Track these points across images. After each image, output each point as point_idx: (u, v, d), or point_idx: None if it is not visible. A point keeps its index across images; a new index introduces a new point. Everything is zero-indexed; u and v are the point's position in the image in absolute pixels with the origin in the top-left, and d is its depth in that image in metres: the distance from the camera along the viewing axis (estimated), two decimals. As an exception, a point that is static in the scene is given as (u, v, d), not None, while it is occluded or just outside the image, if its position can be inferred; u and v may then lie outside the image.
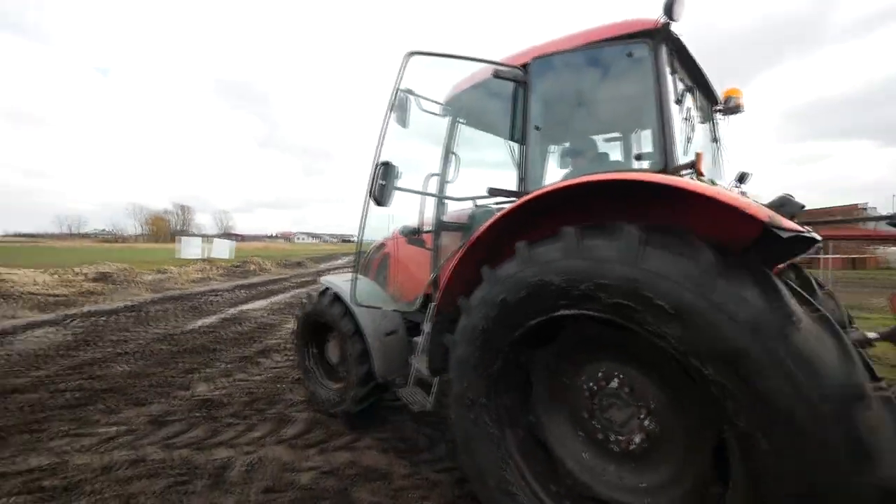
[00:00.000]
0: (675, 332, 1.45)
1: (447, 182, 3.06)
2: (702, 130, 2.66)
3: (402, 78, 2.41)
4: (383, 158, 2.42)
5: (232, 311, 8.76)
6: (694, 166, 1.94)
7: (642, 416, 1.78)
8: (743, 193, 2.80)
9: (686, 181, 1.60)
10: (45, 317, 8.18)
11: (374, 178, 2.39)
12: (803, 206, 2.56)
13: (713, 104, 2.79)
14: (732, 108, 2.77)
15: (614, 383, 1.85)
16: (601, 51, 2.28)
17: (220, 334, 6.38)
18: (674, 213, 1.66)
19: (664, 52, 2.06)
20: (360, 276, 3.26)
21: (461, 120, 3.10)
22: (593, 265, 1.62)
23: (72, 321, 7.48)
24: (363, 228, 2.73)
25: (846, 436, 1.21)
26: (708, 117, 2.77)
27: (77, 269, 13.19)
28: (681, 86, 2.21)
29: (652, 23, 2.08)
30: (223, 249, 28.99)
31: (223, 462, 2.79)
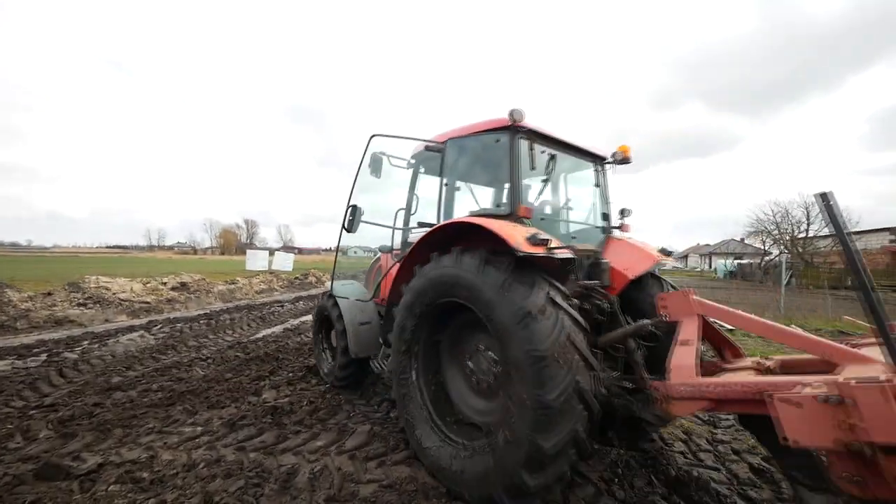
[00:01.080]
0: (465, 295, 2.70)
1: (412, 214, 4.23)
2: (574, 180, 3.96)
3: (367, 152, 3.72)
4: (353, 202, 3.70)
5: (294, 321, 9.25)
6: (515, 213, 3.06)
7: (492, 366, 2.86)
8: (621, 226, 3.89)
9: (484, 220, 2.73)
10: (136, 322, 9.11)
11: (345, 216, 3.70)
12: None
13: (598, 159, 3.86)
14: (621, 160, 3.86)
15: (481, 346, 2.95)
16: (483, 136, 3.37)
17: (284, 344, 6.75)
18: (495, 239, 2.57)
19: (517, 139, 3.11)
20: (338, 278, 4.73)
21: (421, 170, 4.27)
22: (459, 270, 2.72)
23: (157, 327, 8.26)
24: (338, 250, 4.19)
25: (531, 365, 2.27)
26: (596, 173, 3.89)
27: (160, 279, 14.59)
28: (540, 160, 3.21)
29: (507, 121, 3.07)
30: (285, 262, 30.79)
31: (290, 468, 2.92)
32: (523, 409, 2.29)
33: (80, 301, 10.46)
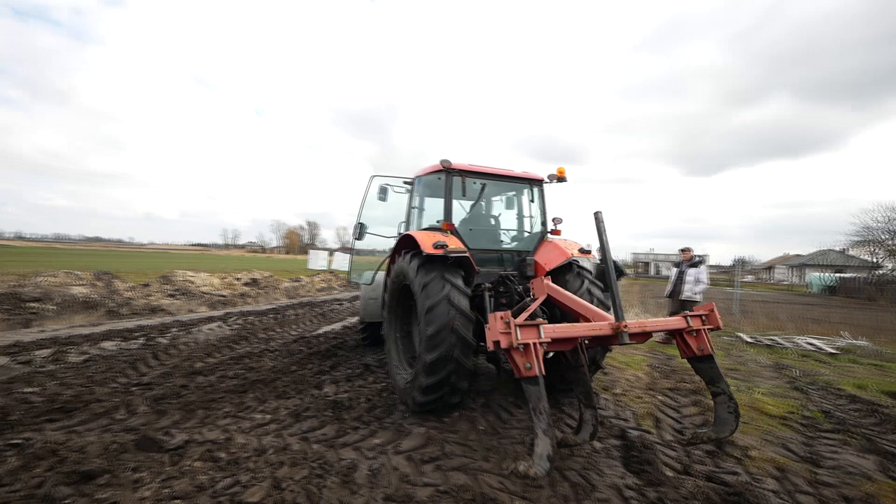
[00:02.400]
0: (408, 279, 4.07)
1: (411, 226, 5.42)
2: (512, 199, 5.51)
3: (368, 191, 5.56)
4: (360, 220, 5.68)
5: (352, 319, 9.63)
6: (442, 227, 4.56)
7: None
8: (553, 230, 5.09)
9: (416, 233, 4.22)
10: (214, 313, 9.98)
11: (355, 230, 5.70)
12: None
13: (533, 182, 5.22)
14: (559, 179, 5.13)
15: None
16: (432, 175, 4.95)
17: (343, 340, 7.04)
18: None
19: (450, 177, 4.66)
20: (354, 270, 6.94)
21: (416, 193, 5.47)
22: (405, 265, 4.15)
23: (232, 318, 8.99)
24: (352, 251, 6.91)
25: (425, 314, 3.72)
26: (532, 192, 5.26)
27: (235, 275, 15.89)
28: (471, 189, 4.92)
29: (442, 166, 4.59)
30: (343, 262, 32.22)
31: (350, 463, 3.02)
32: (422, 340, 3.72)
33: (170, 292, 11.68)
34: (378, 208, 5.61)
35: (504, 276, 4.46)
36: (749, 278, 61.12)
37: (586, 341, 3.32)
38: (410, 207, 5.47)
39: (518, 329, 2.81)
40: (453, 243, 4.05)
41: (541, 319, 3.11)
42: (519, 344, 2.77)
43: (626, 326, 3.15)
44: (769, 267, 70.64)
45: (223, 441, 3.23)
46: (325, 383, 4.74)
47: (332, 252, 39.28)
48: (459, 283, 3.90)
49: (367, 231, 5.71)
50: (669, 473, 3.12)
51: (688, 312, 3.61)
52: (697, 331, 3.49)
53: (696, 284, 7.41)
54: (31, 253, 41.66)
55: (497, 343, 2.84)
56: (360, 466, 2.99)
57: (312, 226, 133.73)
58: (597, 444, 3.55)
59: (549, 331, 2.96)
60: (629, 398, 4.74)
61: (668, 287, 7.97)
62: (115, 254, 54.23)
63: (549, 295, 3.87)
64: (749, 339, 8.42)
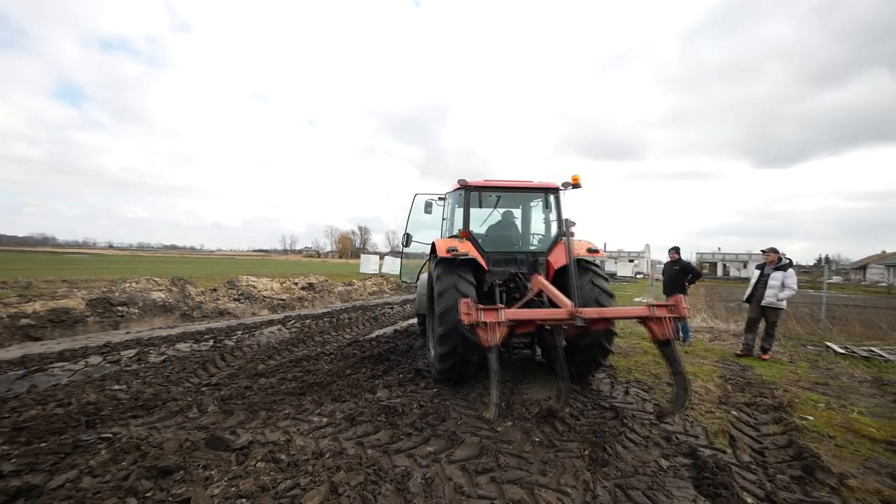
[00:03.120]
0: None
1: (443, 234, 6.60)
2: (530, 207, 6.43)
3: (412, 206, 6.58)
4: (407, 231, 6.77)
5: (403, 323, 9.78)
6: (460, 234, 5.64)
7: None
8: (568, 233, 5.18)
9: (438, 241, 5.39)
10: (274, 316, 10.55)
11: (403, 237, 6.77)
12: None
13: (548, 191, 5.93)
14: (574, 186, 5.66)
15: None
16: (456, 192, 5.88)
17: (395, 345, 7.15)
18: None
19: (468, 193, 5.61)
20: (405, 272, 8.16)
21: (447, 206, 6.61)
22: (431, 266, 5.46)
23: (291, 322, 9.45)
24: (402, 255, 7.84)
25: (436, 315, 4.86)
26: (547, 201, 6.02)
27: (293, 280, 16.74)
28: (488, 200, 5.94)
29: (462, 184, 5.57)
30: (393, 266, 32.94)
31: (404, 470, 3.01)
32: (434, 318, 4.86)
33: (236, 296, 12.53)
34: (425, 218, 6.61)
35: (514, 274, 5.38)
36: (836, 279, 54.75)
37: (565, 326, 3.87)
38: (442, 218, 6.74)
39: (481, 312, 3.58)
40: (466, 248, 5.03)
41: (501, 305, 3.78)
42: (480, 322, 3.52)
43: (580, 312, 3.75)
44: (862, 266, 62.99)
45: (283, 443, 3.35)
46: (378, 388, 4.81)
47: (382, 256, 40.37)
48: (467, 276, 4.85)
49: (413, 239, 6.76)
50: (749, 500, 2.82)
51: (655, 302, 4.01)
52: (661, 318, 3.87)
53: (781, 290, 6.66)
54: (119, 261, 46.81)
55: (463, 321, 3.66)
56: (414, 474, 2.98)
57: (363, 230, 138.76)
58: (663, 462, 3.29)
59: (509, 314, 3.69)
60: (699, 412, 4.36)
61: (748, 290, 7.20)
62: (188, 260, 59.49)
63: (539, 290, 4.78)
64: (841, 350, 7.46)
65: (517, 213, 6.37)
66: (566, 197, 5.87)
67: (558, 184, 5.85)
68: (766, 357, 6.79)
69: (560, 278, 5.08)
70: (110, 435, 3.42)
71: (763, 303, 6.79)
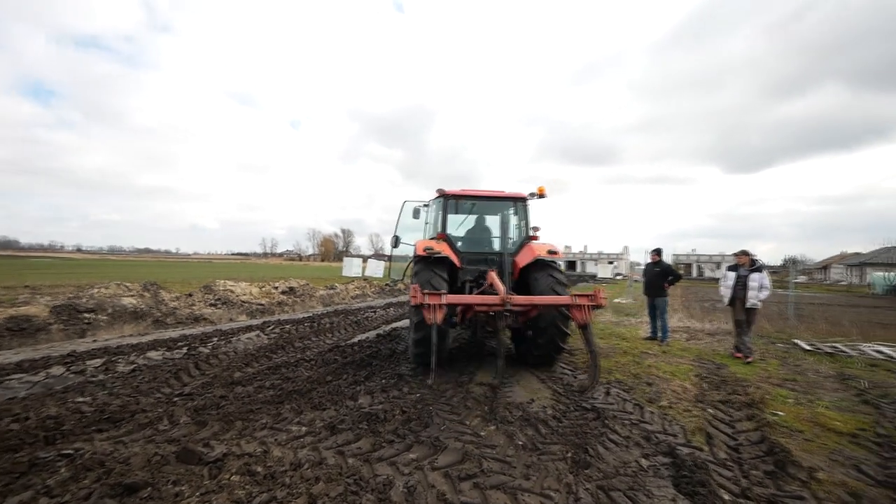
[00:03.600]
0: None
1: (425, 236, 7.18)
2: (492, 217, 7.26)
3: (401, 211, 7.02)
4: (396, 234, 7.13)
5: (386, 328, 9.66)
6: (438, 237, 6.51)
7: None
8: (534, 237, 6.58)
9: (419, 242, 6.31)
10: (253, 322, 10.27)
11: (393, 239, 7.10)
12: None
13: (517, 200, 6.76)
14: (540, 196, 6.58)
15: None
16: (440, 198, 6.65)
17: (378, 350, 7.05)
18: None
19: (445, 201, 6.58)
20: (395, 271, 8.49)
21: (429, 211, 7.16)
22: (413, 264, 6.19)
23: (270, 327, 9.22)
24: (391, 257, 8.03)
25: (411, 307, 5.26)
26: (517, 209, 6.87)
27: (273, 284, 16.38)
28: (464, 207, 7.01)
29: (441, 192, 6.58)
30: (376, 269, 32.66)
31: (386, 479, 2.95)
32: (411, 325, 5.52)
33: (212, 301, 12.16)
34: (412, 222, 7.17)
35: (483, 271, 6.20)
36: (802, 279, 57.15)
37: (506, 314, 4.67)
38: (425, 223, 7.32)
39: (426, 295, 4.45)
40: (441, 248, 5.79)
41: (444, 291, 4.79)
42: (424, 304, 4.40)
43: (510, 300, 4.60)
44: (824, 266, 65.93)
45: (260, 454, 3.24)
46: (360, 394, 4.72)
47: (365, 259, 39.96)
48: (441, 272, 5.61)
49: (401, 241, 7.22)
50: (726, 497, 2.88)
51: (577, 293, 4.88)
52: (581, 306, 4.71)
53: (760, 291, 6.80)
54: (88, 265, 44.87)
55: (412, 302, 4.64)
56: (397, 483, 2.92)
57: (346, 233, 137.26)
58: (643, 462, 3.33)
59: (450, 298, 4.63)
60: (676, 411, 4.45)
61: (726, 292, 7.17)
62: (162, 264, 57.52)
63: (488, 284, 5.68)
64: (807, 347, 7.77)
65: (491, 218, 7.28)
66: (534, 205, 6.84)
67: (526, 194, 6.78)
68: (750, 359, 6.84)
69: (525, 275, 6.02)
70: (71, 451, 3.23)
71: (748, 305, 6.86)
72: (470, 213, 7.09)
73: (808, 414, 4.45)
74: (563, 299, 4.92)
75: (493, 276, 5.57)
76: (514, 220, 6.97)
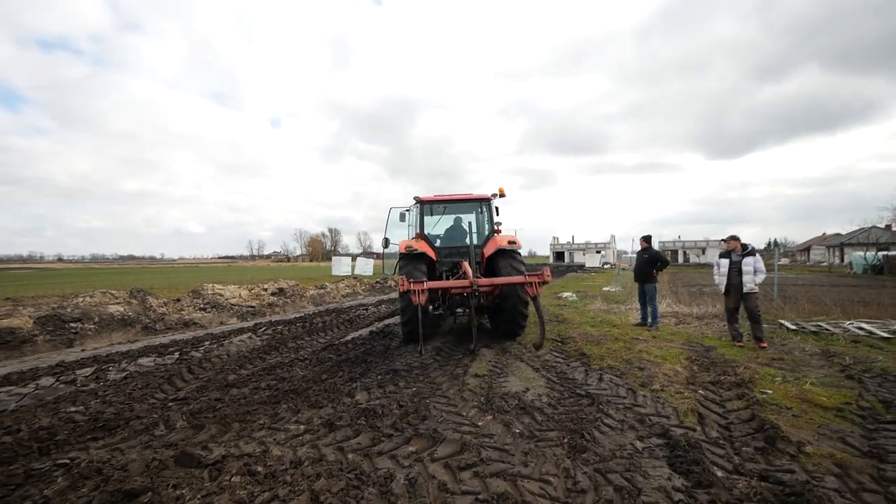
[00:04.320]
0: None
1: (409, 237, 8.20)
2: (466, 216, 8.50)
3: (389, 216, 8.22)
4: (386, 236, 8.23)
5: (378, 324, 9.66)
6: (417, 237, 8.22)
7: None
8: (497, 231, 8.16)
9: (403, 242, 7.49)
10: (244, 324, 10.18)
11: (383, 241, 8.20)
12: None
13: (482, 201, 8.37)
14: (501, 196, 8.00)
15: None
16: (417, 205, 8.23)
17: (372, 346, 7.06)
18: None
19: (422, 206, 8.24)
20: (387, 268, 10.91)
21: (412, 215, 8.35)
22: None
23: (262, 329, 9.15)
24: (384, 256, 9.46)
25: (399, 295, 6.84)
26: (483, 208, 8.50)
27: (262, 286, 16.22)
28: (437, 210, 8.57)
29: (417, 199, 8.11)
30: (366, 267, 32.52)
31: (386, 472, 2.97)
32: (400, 310, 6.93)
33: (201, 306, 12.00)
34: (400, 224, 8.39)
35: (457, 262, 7.53)
36: (784, 261, 58.52)
37: (476, 294, 5.96)
38: (408, 224, 8.42)
39: (412, 283, 5.50)
40: (420, 246, 7.19)
41: (425, 279, 5.97)
42: (410, 290, 5.45)
43: (477, 282, 5.78)
44: (805, 248, 67.53)
45: (259, 454, 3.24)
46: (356, 391, 4.73)
47: (354, 258, 39.73)
48: (421, 266, 6.91)
49: (391, 242, 8.18)
50: (719, 473, 2.96)
51: (531, 273, 5.98)
52: (531, 283, 5.78)
53: (756, 274, 6.70)
54: (70, 274, 43.84)
55: (400, 290, 5.69)
56: (397, 475, 2.94)
57: (334, 232, 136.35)
58: (638, 444, 3.41)
59: (429, 284, 5.68)
60: (668, 394, 4.55)
61: (721, 280, 7.04)
62: (148, 271, 56.46)
63: (462, 270, 6.66)
64: (792, 327, 7.98)
65: (462, 217, 8.64)
66: (516, 199, 8.88)
67: (489, 194, 8.23)
68: (765, 345, 6.59)
69: (491, 263, 7.27)
70: (67, 460, 3.19)
71: (745, 290, 6.75)
72: (443, 214, 8.62)
73: (796, 391, 4.58)
74: (517, 279, 6.01)
75: (465, 265, 6.48)
76: (480, 218, 8.50)
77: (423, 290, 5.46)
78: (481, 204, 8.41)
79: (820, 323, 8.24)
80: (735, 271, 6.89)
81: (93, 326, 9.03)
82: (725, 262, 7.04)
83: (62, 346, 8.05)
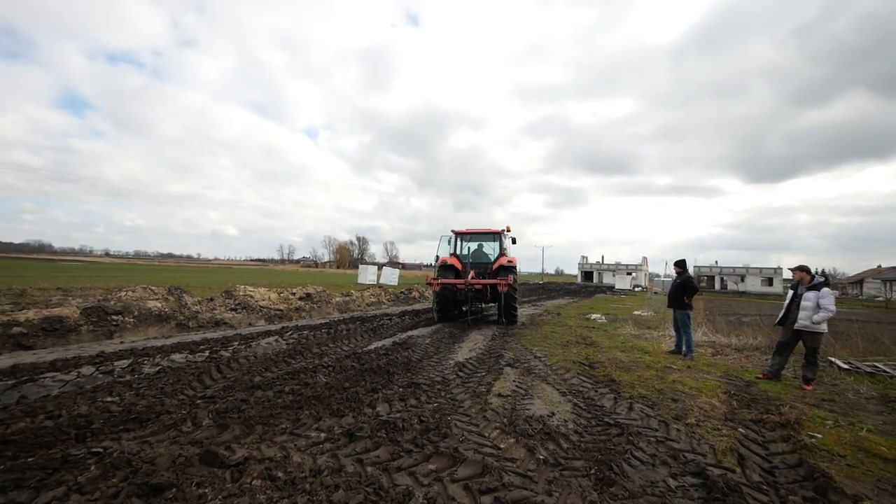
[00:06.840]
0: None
1: (447, 255, 13.28)
2: (488, 244, 14.02)
3: (440, 243, 13.65)
4: (437, 254, 13.45)
5: (402, 335, 9.65)
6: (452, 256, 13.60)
7: None
8: (503, 254, 13.12)
9: (442, 257, 12.89)
10: (271, 327, 10.40)
11: (435, 258, 13.23)
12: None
13: (497, 234, 13.47)
14: (508, 231, 13.15)
15: None
16: (454, 235, 13.73)
17: (394, 358, 7.03)
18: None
19: (455, 236, 13.69)
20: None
21: (453, 241, 13.74)
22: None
23: (288, 333, 9.32)
24: (436, 269, 12.89)
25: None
26: (496, 238, 13.64)
27: (290, 290, 16.60)
28: (468, 240, 13.85)
29: (454, 231, 13.66)
30: (391, 277, 32.79)
31: (405, 489, 2.90)
32: (432, 297, 12.72)
33: (232, 306, 12.39)
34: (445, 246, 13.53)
35: (478, 273, 12.20)
36: (834, 293, 54.89)
37: (474, 290, 11.33)
38: (448, 245, 13.34)
39: (435, 280, 11.35)
40: (452, 261, 12.20)
41: (443, 279, 11.56)
42: (433, 282, 11.36)
43: (469, 281, 10.95)
44: (858, 281, 63.16)
45: (280, 459, 3.25)
46: (377, 402, 4.70)
47: (380, 267, 40.19)
48: (450, 274, 11.90)
49: (440, 261, 12.50)
50: None
51: (500, 280, 11.23)
52: (504, 283, 10.86)
53: (816, 311, 6.08)
54: (115, 269, 46.47)
55: (431, 285, 11.46)
56: (416, 494, 2.87)
57: (362, 241, 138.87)
58: (671, 482, 3.20)
59: (443, 280, 11.35)
60: (705, 429, 4.27)
61: (781, 312, 6.64)
62: (185, 269, 59.11)
63: (470, 276, 11.43)
64: (844, 366, 7.39)
65: (483, 244, 13.75)
66: (507, 236, 13.07)
67: (500, 229, 13.07)
68: (809, 387, 6.07)
69: (496, 273, 12.04)
70: (101, 449, 3.30)
71: (796, 326, 6.27)
72: (471, 241, 13.66)
73: (850, 437, 4.20)
74: (495, 281, 11.11)
75: (472, 273, 11.71)
76: (494, 244, 13.52)
77: (438, 283, 11.20)
78: (495, 235, 13.37)
79: (877, 364, 7.59)
80: (795, 305, 6.40)
81: (132, 320, 9.46)
82: (791, 294, 6.64)
83: (103, 337, 8.46)
